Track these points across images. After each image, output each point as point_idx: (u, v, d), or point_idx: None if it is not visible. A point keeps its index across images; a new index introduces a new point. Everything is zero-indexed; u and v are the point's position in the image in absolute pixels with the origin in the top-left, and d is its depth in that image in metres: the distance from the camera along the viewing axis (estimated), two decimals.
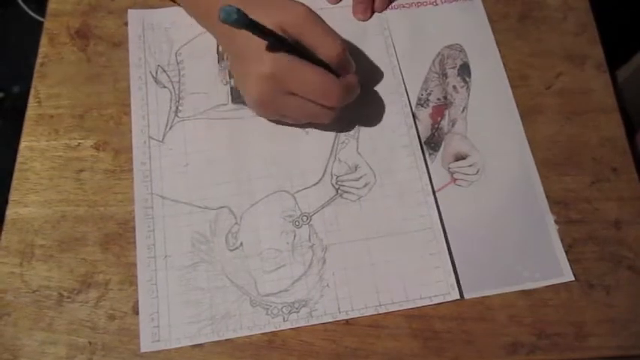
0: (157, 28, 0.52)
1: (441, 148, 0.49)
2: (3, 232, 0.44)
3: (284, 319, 0.42)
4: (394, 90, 0.50)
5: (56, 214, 0.45)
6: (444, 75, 0.51)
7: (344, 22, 0.52)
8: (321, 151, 0.48)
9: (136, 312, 0.42)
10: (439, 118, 0.50)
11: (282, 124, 0.48)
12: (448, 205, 0.46)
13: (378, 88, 0.50)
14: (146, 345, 0.41)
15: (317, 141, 0.48)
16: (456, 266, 0.44)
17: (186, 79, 0.50)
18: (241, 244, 0.44)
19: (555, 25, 0.54)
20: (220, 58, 0.51)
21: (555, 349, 0.42)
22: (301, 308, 0.43)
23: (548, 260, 0.45)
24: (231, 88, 0.49)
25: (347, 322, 0.43)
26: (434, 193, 0.46)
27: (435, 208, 0.46)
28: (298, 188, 0.46)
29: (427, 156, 0.48)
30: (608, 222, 0.46)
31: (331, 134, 0.48)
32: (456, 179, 0.47)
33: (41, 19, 1.04)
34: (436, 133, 0.49)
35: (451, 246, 0.45)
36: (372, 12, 0.53)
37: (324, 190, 0.46)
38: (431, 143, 0.49)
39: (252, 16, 0.37)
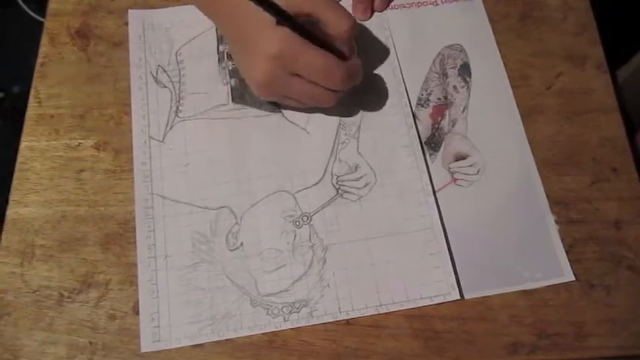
0: (158, 28, 0.52)
1: (442, 148, 0.49)
2: (3, 232, 0.44)
3: (284, 319, 0.42)
4: (394, 90, 0.50)
5: (56, 214, 0.45)
6: (445, 75, 0.51)
7: None
8: (321, 151, 0.48)
9: (137, 312, 0.42)
10: (439, 118, 0.50)
11: (283, 125, 0.48)
12: (448, 205, 0.46)
13: (379, 88, 0.50)
14: (146, 345, 0.41)
15: (317, 141, 0.48)
16: (457, 266, 0.44)
17: (186, 79, 0.50)
18: (242, 244, 0.44)
19: (555, 25, 0.54)
20: (221, 58, 0.51)
21: (556, 349, 0.42)
22: (302, 308, 0.43)
23: (549, 260, 0.45)
24: (232, 88, 0.49)
25: (347, 322, 0.43)
26: (434, 193, 0.46)
27: (436, 208, 0.46)
28: (299, 188, 0.46)
29: (427, 156, 0.48)
30: (609, 222, 0.46)
31: (331, 134, 0.48)
32: (456, 179, 0.47)
33: (41, 19, 1.03)
34: (436, 133, 0.49)
35: (451, 246, 0.45)
36: (372, 12, 0.53)
37: (325, 190, 0.46)
38: (431, 143, 0.49)
39: None
